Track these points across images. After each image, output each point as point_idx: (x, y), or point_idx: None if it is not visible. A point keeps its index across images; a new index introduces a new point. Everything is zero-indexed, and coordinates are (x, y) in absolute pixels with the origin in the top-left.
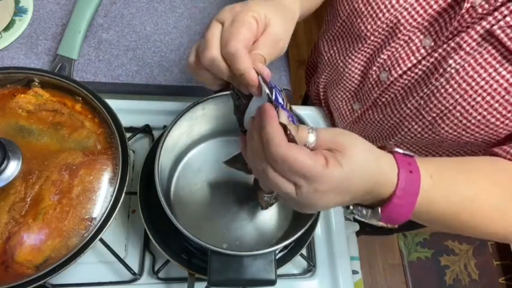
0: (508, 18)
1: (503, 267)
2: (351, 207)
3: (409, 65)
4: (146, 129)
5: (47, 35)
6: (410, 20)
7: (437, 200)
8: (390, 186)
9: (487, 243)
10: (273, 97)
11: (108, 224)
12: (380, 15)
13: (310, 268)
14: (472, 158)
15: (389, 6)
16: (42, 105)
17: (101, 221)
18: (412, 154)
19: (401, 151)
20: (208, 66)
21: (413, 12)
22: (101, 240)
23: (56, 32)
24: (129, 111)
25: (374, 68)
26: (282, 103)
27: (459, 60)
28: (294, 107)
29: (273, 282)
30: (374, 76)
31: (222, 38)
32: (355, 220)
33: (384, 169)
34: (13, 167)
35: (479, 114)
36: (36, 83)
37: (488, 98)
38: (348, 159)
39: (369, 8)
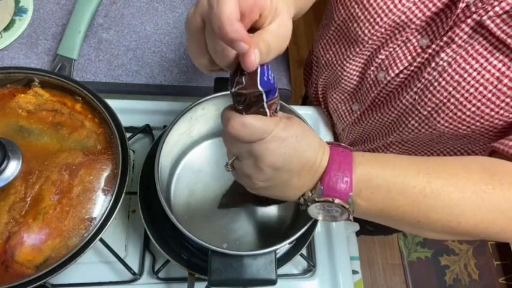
0: (497, 8)
1: (503, 267)
2: (301, 198)
3: (406, 64)
4: (146, 129)
5: (47, 35)
6: (409, 23)
7: (375, 175)
8: (323, 160)
9: (487, 243)
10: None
11: (108, 224)
12: (378, 19)
13: (310, 268)
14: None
15: (387, 10)
16: (42, 105)
17: (101, 221)
18: (345, 145)
19: (343, 145)
20: (194, 35)
21: (411, 16)
22: (101, 240)
23: (56, 32)
24: (129, 111)
25: (372, 68)
26: (269, 81)
27: (451, 53)
28: (294, 107)
29: (273, 282)
30: (372, 76)
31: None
32: (355, 220)
33: (322, 149)
34: (13, 167)
35: (474, 105)
36: (36, 83)
37: (481, 88)
38: (300, 123)
39: (366, 13)
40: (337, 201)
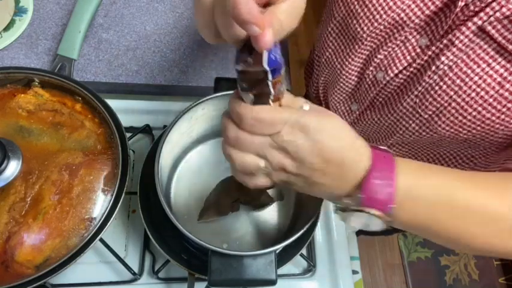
0: (498, 14)
1: (503, 267)
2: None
3: (405, 64)
4: (146, 129)
5: (47, 35)
6: (408, 22)
7: (419, 186)
8: (364, 164)
9: None
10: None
11: (108, 224)
12: (377, 17)
13: (310, 268)
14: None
15: (386, 8)
16: (42, 105)
17: (101, 221)
18: (386, 148)
19: (382, 147)
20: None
21: (410, 14)
22: (101, 240)
23: (56, 32)
24: (129, 111)
25: (371, 68)
26: (277, 61)
27: (452, 57)
28: None
29: (273, 282)
30: (371, 76)
31: None
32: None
33: (357, 148)
34: (13, 167)
35: (475, 110)
36: (36, 83)
37: (482, 93)
38: (320, 115)
39: (366, 9)
40: (377, 213)
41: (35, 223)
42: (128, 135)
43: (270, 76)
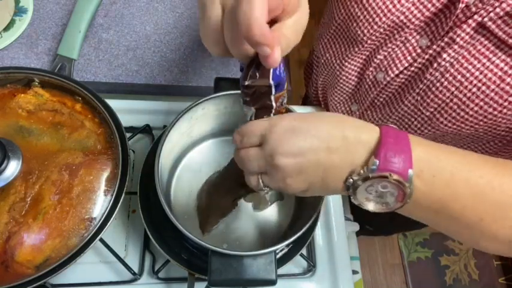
0: (498, 10)
1: (503, 267)
2: (350, 179)
3: (406, 64)
4: (146, 129)
5: (47, 35)
6: (408, 23)
7: (437, 154)
8: (372, 133)
9: None
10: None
11: (108, 224)
12: (377, 19)
13: (310, 268)
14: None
15: (386, 10)
16: (42, 105)
17: (101, 221)
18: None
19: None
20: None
21: (410, 16)
22: (101, 240)
23: (56, 32)
24: (129, 111)
25: (370, 68)
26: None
27: (453, 54)
28: (294, 107)
29: (273, 282)
30: (371, 77)
31: None
32: (355, 220)
33: (355, 119)
34: (13, 167)
35: (476, 105)
36: (36, 83)
37: (483, 88)
38: (303, 113)
39: (365, 12)
40: (395, 177)
41: (35, 223)
42: (128, 135)
43: (273, 91)
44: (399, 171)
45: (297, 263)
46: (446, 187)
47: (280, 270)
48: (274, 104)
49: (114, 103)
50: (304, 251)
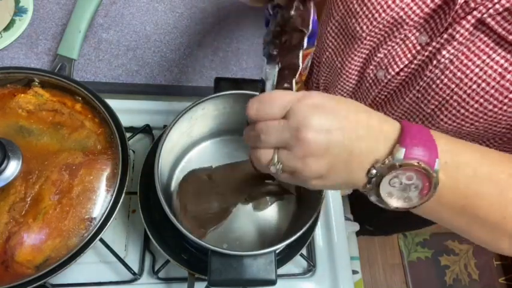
0: (497, 6)
1: (503, 267)
2: (372, 170)
3: (406, 62)
4: (146, 129)
5: (47, 35)
6: (407, 20)
7: (459, 153)
8: (395, 124)
9: None
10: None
11: (108, 224)
12: (376, 15)
13: (310, 268)
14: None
15: (385, 6)
16: (42, 105)
17: (101, 221)
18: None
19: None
20: None
21: (409, 12)
22: (101, 240)
23: (56, 32)
24: (129, 111)
25: (371, 67)
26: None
27: (452, 51)
28: None
29: (273, 282)
30: (371, 75)
31: None
32: (355, 220)
33: (380, 114)
34: (13, 167)
35: (477, 102)
36: (36, 83)
37: (483, 85)
38: (333, 95)
39: (364, 8)
40: (423, 165)
41: (35, 223)
42: (128, 135)
43: (305, 42)
44: (426, 159)
45: (297, 263)
46: (471, 183)
47: (280, 270)
48: (301, 63)
49: (114, 103)
50: (304, 251)
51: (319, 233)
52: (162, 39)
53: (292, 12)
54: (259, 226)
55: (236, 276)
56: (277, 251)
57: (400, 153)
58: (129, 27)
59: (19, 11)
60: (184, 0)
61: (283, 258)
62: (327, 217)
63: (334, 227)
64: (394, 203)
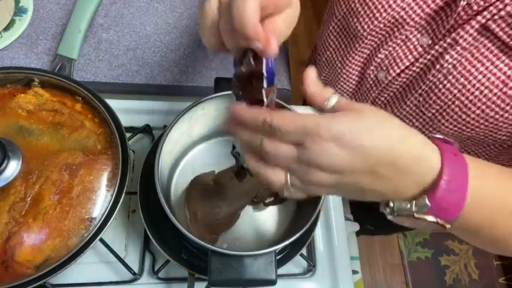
0: (502, 13)
1: (503, 267)
2: (391, 203)
3: (407, 63)
4: (146, 129)
5: (47, 35)
6: (408, 20)
7: (486, 193)
8: (430, 168)
9: None
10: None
11: (108, 224)
12: (377, 15)
13: (310, 268)
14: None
15: (386, 6)
16: (42, 105)
17: (101, 221)
18: (451, 140)
19: (440, 136)
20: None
21: (410, 12)
22: (101, 240)
23: (56, 32)
24: (129, 111)
25: (371, 67)
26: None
27: (456, 56)
28: (294, 107)
29: (273, 282)
30: (372, 76)
31: None
32: (355, 220)
33: (412, 141)
34: (13, 167)
35: (478, 108)
36: (36, 83)
37: (486, 91)
38: (351, 114)
39: (366, 7)
40: (441, 222)
41: (35, 223)
42: (128, 135)
43: (265, 83)
44: (447, 217)
45: (297, 263)
46: (487, 219)
47: (280, 270)
48: (265, 98)
49: (114, 103)
50: (304, 251)
51: (319, 233)
52: (162, 39)
53: (243, 70)
54: (259, 226)
55: (236, 276)
56: (277, 251)
57: (425, 207)
58: (129, 27)
59: (19, 11)
60: (184, 0)
61: (283, 258)
62: (327, 217)
63: (334, 227)
64: (404, 223)
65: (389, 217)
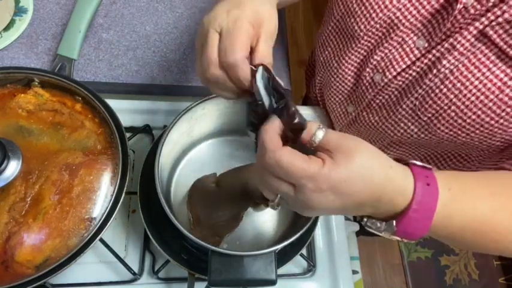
0: (500, 19)
1: (503, 267)
2: (365, 219)
3: (403, 66)
4: (146, 129)
5: (47, 35)
6: (404, 21)
7: (456, 214)
8: (404, 198)
9: None
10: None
11: (108, 224)
12: (373, 15)
13: (310, 268)
14: (491, 173)
15: (382, 6)
16: (42, 105)
17: (101, 221)
18: (430, 166)
19: (419, 163)
20: (214, 82)
21: (406, 13)
22: (101, 240)
23: (56, 32)
24: (129, 111)
25: (367, 69)
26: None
27: (453, 61)
28: None
29: (273, 282)
30: (368, 78)
31: (220, 48)
32: (355, 220)
33: (395, 178)
34: (13, 167)
35: (474, 113)
36: (36, 83)
37: (482, 97)
38: (348, 161)
39: (363, 8)
40: (405, 240)
41: (35, 223)
42: (128, 135)
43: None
44: (411, 239)
45: (297, 263)
46: (454, 234)
47: (280, 270)
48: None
49: (114, 103)
50: (304, 251)
51: (319, 233)
52: (162, 39)
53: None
54: (259, 226)
55: (236, 276)
56: (277, 251)
57: (391, 230)
58: (129, 27)
59: (19, 11)
60: (184, 0)
61: (283, 258)
62: (327, 217)
63: (334, 227)
64: (380, 234)
65: (366, 227)
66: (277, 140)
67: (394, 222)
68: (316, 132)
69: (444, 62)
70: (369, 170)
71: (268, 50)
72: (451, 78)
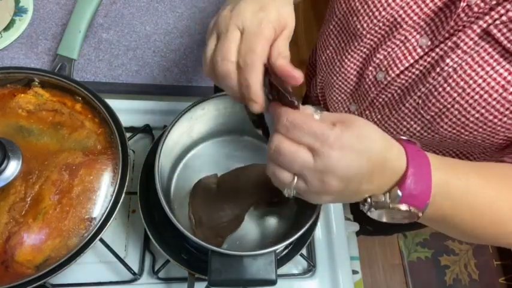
0: (504, 18)
1: (503, 267)
2: (369, 199)
3: (406, 64)
4: (146, 129)
5: (47, 35)
6: (407, 19)
7: (451, 183)
8: (401, 163)
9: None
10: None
11: (108, 224)
12: (376, 13)
13: (310, 268)
14: (485, 162)
15: (385, 4)
16: (42, 105)
17: (101, 221)
18: (414, 141)
19: (404, 137)
20: (221, 77)
21: (409, 11)
22: (101, 240)
23: (56, 32)
24: (129, 111)
25: (370, 68)
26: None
27: (456, 59)
28: None
29: (273, 282)
30: (370, 76)
31: (240, 46)
32: (355, 220)
33: (392, 145)
34: (13, 167)
35: (477, 112)
36: (36, 83)
37: (486, 96)
38: (352, 123)
39: (365, 6)
40: (413, 209)
41: (35, 223)
42: (128, 135)
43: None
44: (418, 204)
45: (297, 263)
46: (452, 209)
47: (280, 270)
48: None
49: (114, 103)
50: (304, 251)
51: (319, 233)
52: (162, 39)
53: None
54: (259, 226)
55: (236, 276)
56: (277, 251)
57: (397, 197)
58: (129, 27)
59: (19, 11)
60: (184, 0)
61: (283, 258)
62: (327, 217)
63: (334, 227)
64: (382, 219)
65: (369, 213)
66: (288, 108)
67: (397, 188)
68: (313, 114)
69: (447, 60)
70: (372, 127)
71: (285, 45)
72: (455, 76)
